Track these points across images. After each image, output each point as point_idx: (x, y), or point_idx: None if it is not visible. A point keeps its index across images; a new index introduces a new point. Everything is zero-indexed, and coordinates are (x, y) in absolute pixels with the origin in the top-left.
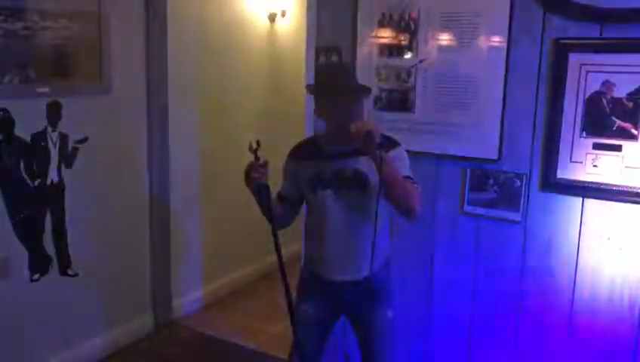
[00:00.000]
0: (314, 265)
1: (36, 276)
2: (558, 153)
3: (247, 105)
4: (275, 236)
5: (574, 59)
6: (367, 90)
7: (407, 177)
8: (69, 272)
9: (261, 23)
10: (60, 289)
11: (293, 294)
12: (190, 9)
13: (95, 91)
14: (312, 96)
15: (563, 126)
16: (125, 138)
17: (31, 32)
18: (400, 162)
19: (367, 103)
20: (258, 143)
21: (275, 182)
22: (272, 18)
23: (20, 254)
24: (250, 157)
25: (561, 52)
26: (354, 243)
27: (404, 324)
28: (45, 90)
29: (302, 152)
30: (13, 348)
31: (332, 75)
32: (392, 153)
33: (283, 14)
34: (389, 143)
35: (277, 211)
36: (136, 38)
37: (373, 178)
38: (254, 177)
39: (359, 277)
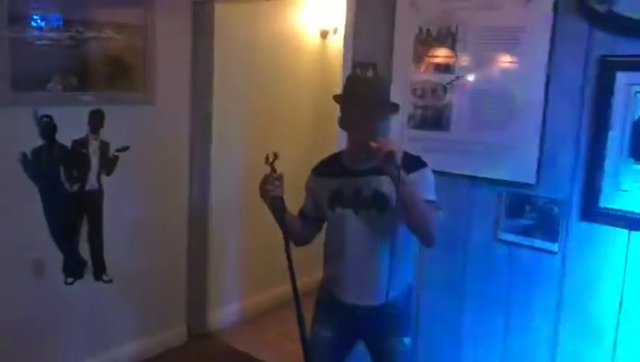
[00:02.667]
0: (331, 286)
1: (70, 279)
2: (601, 180)
3: (295, 119)
4: (288, 251)
5: (622, 78)
6: (394, 107)
7: (431, 201)
8: (104, 278)
9: (312, 39)
10: (94, 294)
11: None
12: (239, 24)
13: (139, 101)
14: (339, 107)
15: (608, 151)
16: (167, 149)
17: (76, 42)
18: (423, 185)
19: (402, 121)
20: (275, 155)
21: None
22: (323, 35)
23: (56, 257)
24: (267, 170)
25: (607, 71)
26: (371, 266)
27: (429, 355)
28: (88, 98)
29: (324, 169)
30: (44, 347)
31: (360, 87)
32: (415, 174)
33: (335, 31)
34: (414, 163)
35: (297, 227)
36: (182, 51)
37: (394, 199)
38: (268, 190)
39: (376, 302)
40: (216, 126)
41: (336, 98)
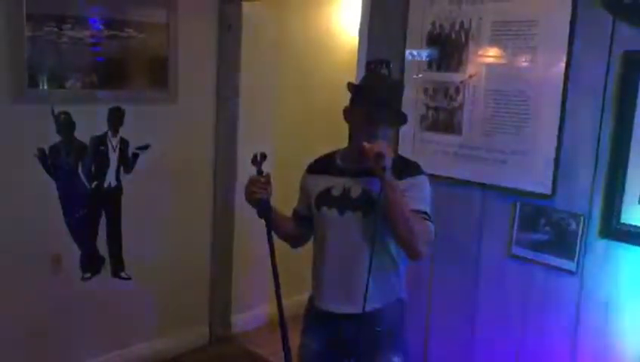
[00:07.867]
0: (314, 293)
1: (87, 274)
2: (623, 192)
3: (331, 119)
4: (272, 256)
5: None
6: (403, 116)
7: (421, 212)
8: (122, 275)
9: (350, 37)
10: (112, 290)
11: None
12: (269, 23)
13: (161, 100)
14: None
15: (631, 159)
16: (191, 147)
17: (96, 40)
18: (415, 193)
19: (415, 121)
20: (263, 156)
21: None
22: None
23: (73, 252)
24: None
25: (632, 67)
26: (351, 272)
27: None
28: (107, 96)
29: (316, 166)
30: (59, 343)
31: (380, 84)
32: (407, 181)
33: None
34: (409, 169)
35: (291, 228)
36: (207, 51)
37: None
38: (253, 192)
39: (355, 311)
40: (244, 126)
41: (350, 87)
